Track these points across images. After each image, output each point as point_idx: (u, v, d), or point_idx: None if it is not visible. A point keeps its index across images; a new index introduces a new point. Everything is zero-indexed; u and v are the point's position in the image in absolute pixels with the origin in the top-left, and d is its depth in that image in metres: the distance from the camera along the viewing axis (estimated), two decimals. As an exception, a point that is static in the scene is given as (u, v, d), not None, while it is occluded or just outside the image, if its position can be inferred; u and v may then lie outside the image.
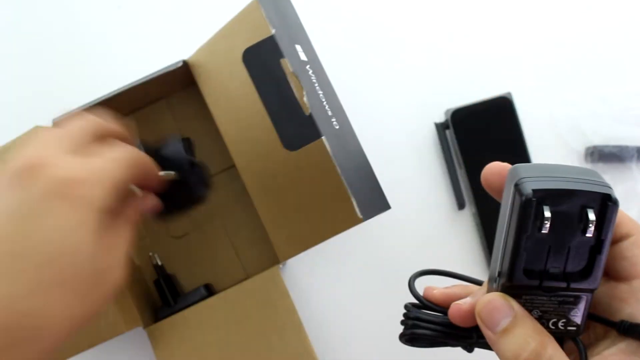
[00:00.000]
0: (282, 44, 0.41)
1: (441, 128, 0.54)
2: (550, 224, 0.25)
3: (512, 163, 0.28)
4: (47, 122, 0.47)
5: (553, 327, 0.27)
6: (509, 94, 0.53)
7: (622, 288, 0.27)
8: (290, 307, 0.45)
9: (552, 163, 0.27)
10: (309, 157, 0.41)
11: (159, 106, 0.52)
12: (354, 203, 0.39)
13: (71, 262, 0.27)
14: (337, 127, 0.43)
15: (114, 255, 0.30)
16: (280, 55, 0.41)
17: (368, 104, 0.55)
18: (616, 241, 0.28)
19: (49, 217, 0.27)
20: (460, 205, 0.54)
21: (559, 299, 0.27)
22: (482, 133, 0.53)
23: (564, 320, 0.27)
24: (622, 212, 0.28)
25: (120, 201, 0.31)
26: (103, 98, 0.46)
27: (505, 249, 0.27)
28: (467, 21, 0.56)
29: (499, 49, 0.55)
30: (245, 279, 0.47)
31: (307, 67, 0.43)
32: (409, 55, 0.55)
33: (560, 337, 0.28)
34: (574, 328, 0.27)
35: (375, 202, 0.43)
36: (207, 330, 0.46)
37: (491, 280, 0.29)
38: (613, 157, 0.53)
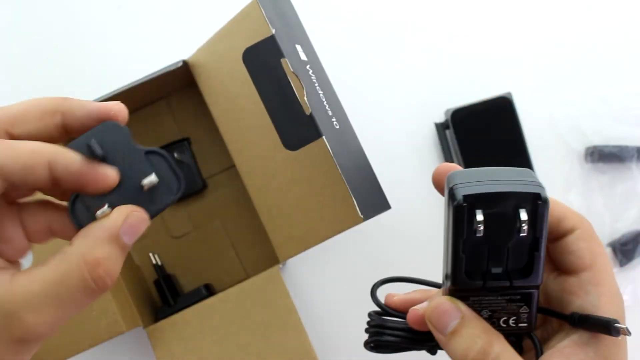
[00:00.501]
0: (283, 44, 0.41)
1: (441, 128, 0.54)
2: (486, 227, 0.26)
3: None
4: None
5: (504, 325, 0.28)
6: (509, 94, 0.53)
7: (572, 281, 0.28)
8: (290, 307, 0.45)
9: (488, 167, 0.27)
10: (310, 157, 0.41)
11: (159, 106, 0.52)
12: (355, 203, 0.39)
13: None
14: (337, 126, 0.43)
15: None
16: (280, 55, 0.41)
17: (368, 104, 0.55)
18: (562, 236, 0.28)
19: None
20: (460, 205, 0.54)
21: (506, 297, 0.27)
22: (482, 133, 0.53)
23: (514, 317, 0.28)
24: (566, 206, 0.29)
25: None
26: (103, 98, 0.46)
27: (447, 254, 0.27)
28: (467, 21, 0.56)
29: (499, 49, 0.55)
30: (245, 279, 0.47)
31: (307, 67, 0.43)
32: (409, 55, 0.55)
33: (516, 335, 0.28)
34: (525, 324, 0.28)
35: (375, 201, 0.43)
36: (207, 330, 0.46)
37: (442, 284, 0.29)
38: (613, 157, 0.53)
